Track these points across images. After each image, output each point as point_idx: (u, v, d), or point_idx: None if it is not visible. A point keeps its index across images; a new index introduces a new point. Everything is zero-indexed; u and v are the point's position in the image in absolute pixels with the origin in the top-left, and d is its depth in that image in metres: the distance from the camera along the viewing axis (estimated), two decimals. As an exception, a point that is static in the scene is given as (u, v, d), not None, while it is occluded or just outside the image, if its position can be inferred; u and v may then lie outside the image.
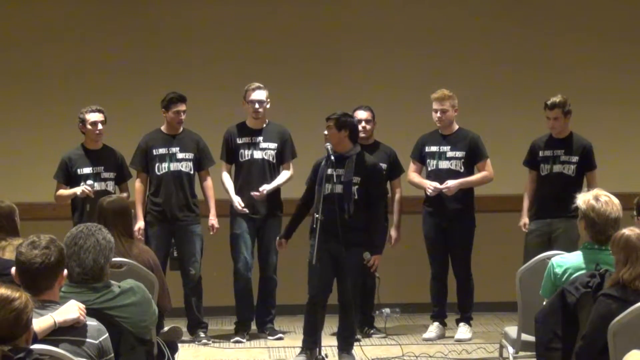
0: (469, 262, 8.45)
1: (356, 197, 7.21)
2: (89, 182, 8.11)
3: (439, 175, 8.33)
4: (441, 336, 8.44)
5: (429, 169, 8.43)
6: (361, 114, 8.47)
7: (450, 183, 8.24)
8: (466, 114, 8.58)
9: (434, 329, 8.47)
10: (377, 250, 7.39)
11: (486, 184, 8.46)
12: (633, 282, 4.67)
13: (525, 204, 8.33)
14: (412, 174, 8.51)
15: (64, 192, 8.23)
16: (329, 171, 7.20)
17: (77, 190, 8.09)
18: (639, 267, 4.69)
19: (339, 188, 7.19)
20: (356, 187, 7.23)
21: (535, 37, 9.70)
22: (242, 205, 8.33)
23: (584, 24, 9.75)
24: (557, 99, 8.13)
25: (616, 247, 4.79)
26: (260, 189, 8.32)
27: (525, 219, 8.29)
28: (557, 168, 8.22)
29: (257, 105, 8.37)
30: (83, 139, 8.28)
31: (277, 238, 7.74)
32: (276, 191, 8.45)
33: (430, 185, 8.26)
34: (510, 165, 8.57)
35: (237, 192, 8.41)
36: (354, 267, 7.27)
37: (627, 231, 4.80)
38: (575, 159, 8.19)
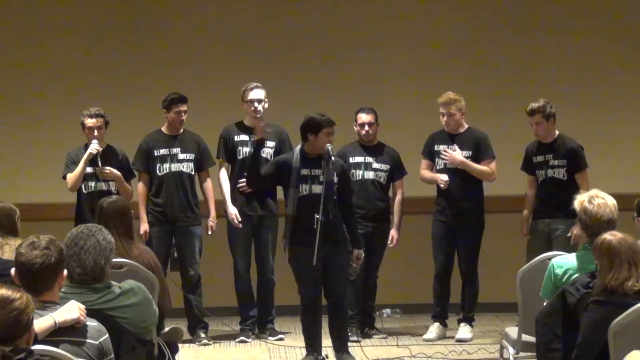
0: (475, 262, 8.44)
1: (335, 196, 7.21)
2: (94, 141, 8.07)
3: (447, 174, 8.34)
4: (442, 336, 8.43)
5: (437, 167, 8.44)
6: (364, 117, 8.47)
7: (455, 154, 8.27)
8: (470, 114, 8.59)
9: (434, 329, 8.46)
10: (361, 245, 7.41)
11: (488, 181, 8.45)
12: (620, 287, 4.66)
13: (526, 208, 8.34)
14: (424, 171, 8.52)
15: (73, 172, 8.12)
16: (304, 171, 7.19)
17: (85, 155, 8.04)
18: (624, 271, 4.68)
19: (318, 189, 7.14)
20: (334, 186, 7.21)
21: (539, 39, 9.72)
22: (239, 219, 8.33)
23: (587, 26, 9.77)
24: (535, 104, 8.13)
25: (599, 253, 4.78)
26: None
27: (525, 222, 8.31)
28: (550, 173, 8.23)
29: (256, 104, 8.37)
30: (85, 139, 8.26)
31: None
32: (272, 190, 8.43)
33: (442, 177, 8.27)
34: (512, 166, 8.56)
35: (233, 189, 8.41)
36: (343, 266, 7.27)
37: (608, 236, 4.78)
38: (563, 162, 8.20)
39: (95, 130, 8.11)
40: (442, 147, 8.41)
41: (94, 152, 8.06)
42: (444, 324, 8.50)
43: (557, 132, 8.27)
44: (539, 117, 8.13)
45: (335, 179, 7.19)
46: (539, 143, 8.31)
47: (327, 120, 7.26)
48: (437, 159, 8.44)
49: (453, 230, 8.41)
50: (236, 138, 8.45)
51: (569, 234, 8.04)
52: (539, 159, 8.28)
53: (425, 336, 8.43)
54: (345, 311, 7.44)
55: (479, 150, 8.38)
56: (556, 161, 8.22)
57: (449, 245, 8.44)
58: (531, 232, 8.30)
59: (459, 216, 8.37)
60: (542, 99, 8.16)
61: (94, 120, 8.13)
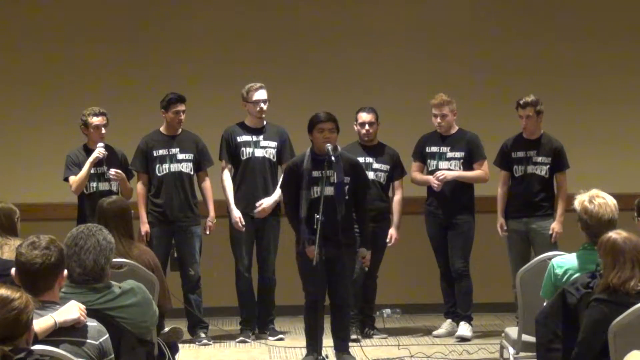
0: (466, 261, 8.46)
1: (347, 197, 7.20)
2: (100, 144, 8.08)
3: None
4: (451, 333, 8.45)
5: (429, 169, 8.49)
6: (365, 116, 8.48)
7: (447, 172, 8.31)
8: (465, 115, 8.59)
9: (445, 325, 8.55)
10: (369, 245, 7.46)
11: (482, 183, 8.49)
12: (623, 285, 4.66)
13: (500, 206, 8.36)
14: (415, 173, 8.56)
15: (78, 175, 8.11)
16: (315, 173, 7.17)
17: (91, 158, 8.04)
18: (627, 270, 4.68)
19: (329, 190, 7.10)
20: (346, 187, 7.20)
21: (537, 42, 9.71)
22: (243, 223, 8.34)
23: (583, 28, 9.76)
24: (529, 98, 8.20)
25: (603, 251, 4.78)
26: (257, 204, 8.33)
27: (501, 220, 8.33)
28: (530, 169, 8.27)
29: (262, 104, 8.38)
30: (84, 139, 8.26)
31: (306, 248, 7.17)
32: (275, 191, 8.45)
33: (435, 179, 8.30)
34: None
35: (238, 190, 8.41)
36: (350, 268, 7.32)
37: (614, 234, 4.78)
38: (547, 160, 8.24)
39: (103, 128, 8.11)
40: (433, 149, 8.46)
41: (101, 156, 8.06)
42: (455, 321, 8.53)
43: (542, 130, 8.30)
44: (531, 110, 8.18)
45: (347, 179, 7.18)
46: (518, 139, 8.35)
47: (321, 116, 7.25)
48: (429, 161, 8.48)
49: (446, 229, 8.46)
50: (239, 139, 8.44)
51: (550, 232, 8.10)
52: (520, 154, 8.31)
53: (435, 332, 8.52)
54: (348, 312, 7.46)
55: (471, 151, 8.41)
56: (540, 158, 8.26)
57: (445, 244, 8.49)
58: (510, 232, 8.34)
59: (451, 216, 8.42)
60: (533, 95, 8.20)
61: (100, 118, 8.13)
